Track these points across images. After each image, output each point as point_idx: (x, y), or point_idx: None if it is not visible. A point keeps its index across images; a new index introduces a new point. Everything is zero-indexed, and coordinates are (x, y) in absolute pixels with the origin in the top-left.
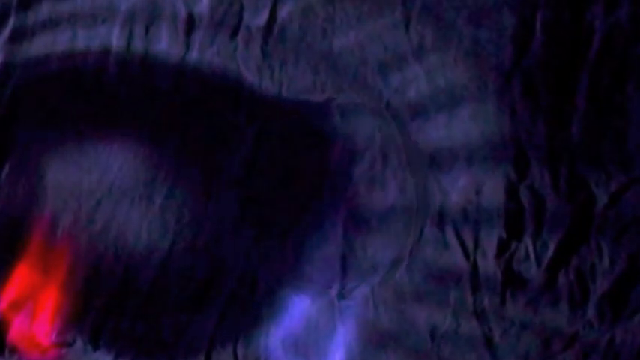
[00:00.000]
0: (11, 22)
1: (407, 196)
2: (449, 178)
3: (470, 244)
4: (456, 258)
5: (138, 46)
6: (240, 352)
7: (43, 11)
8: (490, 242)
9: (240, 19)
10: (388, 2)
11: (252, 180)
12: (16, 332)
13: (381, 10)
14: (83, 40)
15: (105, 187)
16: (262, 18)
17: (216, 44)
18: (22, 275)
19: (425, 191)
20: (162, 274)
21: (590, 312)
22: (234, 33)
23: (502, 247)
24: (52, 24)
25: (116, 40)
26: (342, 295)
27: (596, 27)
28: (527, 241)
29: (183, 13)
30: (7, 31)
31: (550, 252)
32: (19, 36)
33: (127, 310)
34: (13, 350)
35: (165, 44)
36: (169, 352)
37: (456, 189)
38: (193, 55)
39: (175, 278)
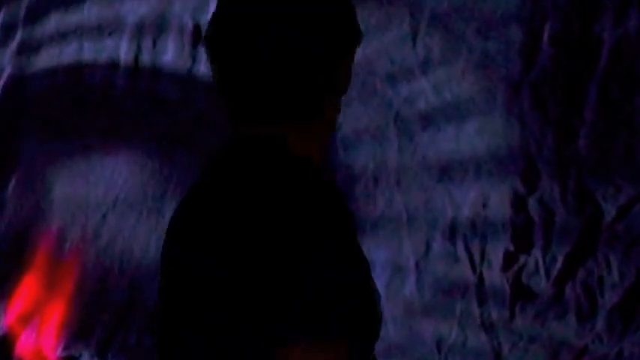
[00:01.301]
0: (19, 34)
1: (406, 209)
2: (460, 191)
3: (477, 257)
4: (463, 271)
5: (145, 59)
6: None
7: (51, 24)
8: (496, 255)
9: None
10: (396, 14)
11: None
12: (22, 346)
13: (389, 22)
14: (90, 52)
15: (111, 200)
16: None
17: None
18: (29, 289)
19: (431, 205)
20: None
21: (599, 325)
22: None
23: (509, 260)
24: (59, 36)
25: (124, 53)
26: None
27: (604, 39)
28: (537, 254)
29: (190, 24)
30: (14, 44)
31: (559, 265)
32: (26, 48)
33: (134, 325)
34: None
35: (171, 56)
36: None
37: (466, 202)
38: (200, 68)
39: None
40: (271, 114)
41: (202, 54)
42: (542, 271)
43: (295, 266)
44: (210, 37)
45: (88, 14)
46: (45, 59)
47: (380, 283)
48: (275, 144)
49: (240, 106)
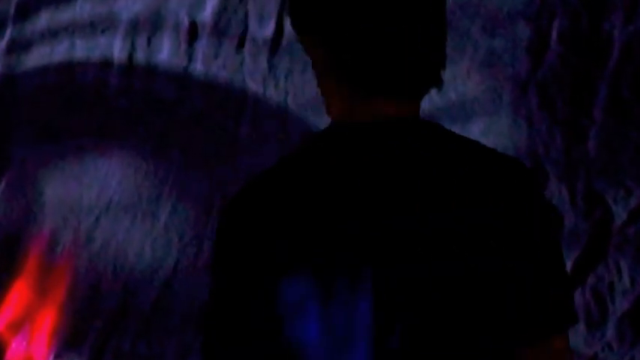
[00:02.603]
0: (8, 32)
1: None
2: None
3: None
4: None
5: (140, 57)
6: None
7: (42, 21)
8: None
9: (246, 28)
10: None
11: None
12: (13, 354)
13: None
14: (83, 50)
15: (104, 203)
16: (269, 28)
17: (221, 56)
18: (20, 295)
19: None
20: (165, 293)
21: (610, 333)
22: (240, 44)
23: None
24: (50, 34)
25: (117, 51)
26: None
27: (614, 37)
28: None
29: (186, 21)
30: (4, 42)
31: (568, 271)
32: (16, 47)
33: (129, 331)
34: None
35: (167, 54)
36: None
37: None
38: (197, 67)
39: (179, 298)
40: (407, 90)
41: (199, 52)
42: None
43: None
44: (320, 17)
45: (80, 11)
46: (36, 58)
47: None
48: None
49: (370, 82)
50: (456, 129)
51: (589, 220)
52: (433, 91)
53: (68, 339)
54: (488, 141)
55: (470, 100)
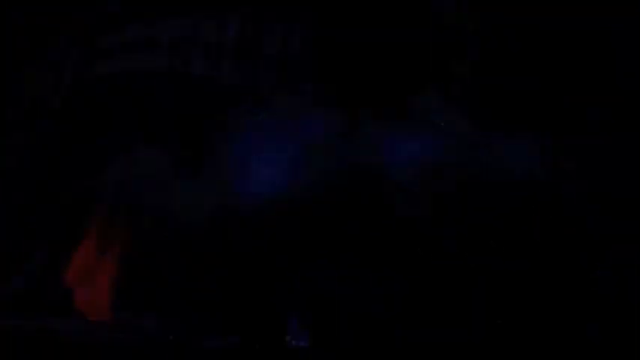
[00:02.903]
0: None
1: None
2: None
3: None
4: None
5: (178, 74)
6: None
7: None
8: None
9: (260, 47)
10: None
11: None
12: (79, 298)
13: None
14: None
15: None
16: (278, 45)
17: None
18: (86, 252)
19: None
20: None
21: None
22: (257, 59)
23: None
24: (109, 53)
25: (157, 68)
26: None
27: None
28: None
29: (214, 41)
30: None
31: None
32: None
33: (178, 279)
34: (79, 313)
35: (200, 71)
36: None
37: None
38: (223, 81)
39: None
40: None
41: (225, 69)
42: None
43: None
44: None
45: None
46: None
47: None
48: None
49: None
50: None
51: None
52: None
53: (123, 288)
54: None
55: None
